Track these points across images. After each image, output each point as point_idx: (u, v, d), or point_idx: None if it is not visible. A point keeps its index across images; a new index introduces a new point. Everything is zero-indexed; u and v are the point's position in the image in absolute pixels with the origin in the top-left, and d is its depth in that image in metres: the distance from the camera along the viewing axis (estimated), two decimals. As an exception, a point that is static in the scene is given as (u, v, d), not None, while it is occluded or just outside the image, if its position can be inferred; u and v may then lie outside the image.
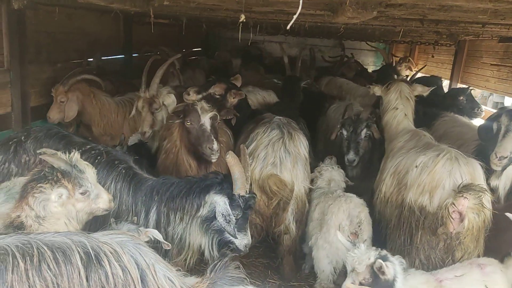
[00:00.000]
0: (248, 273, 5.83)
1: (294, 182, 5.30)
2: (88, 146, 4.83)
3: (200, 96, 6.72)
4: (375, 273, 3.86)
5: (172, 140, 5.83)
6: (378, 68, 15.65)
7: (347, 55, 15.03)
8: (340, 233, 4.71)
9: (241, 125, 6.52)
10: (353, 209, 5.06)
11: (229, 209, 4.12)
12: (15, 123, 6.53)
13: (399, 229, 4.80)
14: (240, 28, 7.00)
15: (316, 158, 6.73)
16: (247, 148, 5.28)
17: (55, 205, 3.38)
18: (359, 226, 4.96)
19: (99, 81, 7.38)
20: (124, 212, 4.53)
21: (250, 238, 4.35)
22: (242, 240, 4.25)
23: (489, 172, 5.25)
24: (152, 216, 4.44)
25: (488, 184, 5.30)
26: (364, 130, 6.48)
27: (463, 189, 4.23)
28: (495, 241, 4.72)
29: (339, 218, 5.01)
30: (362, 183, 6.60)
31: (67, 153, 3.67)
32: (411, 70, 13.97)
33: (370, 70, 16.12)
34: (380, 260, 3.81)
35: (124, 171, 4.62)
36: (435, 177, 4.54)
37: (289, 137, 5.45)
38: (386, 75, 11.78)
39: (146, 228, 4.27)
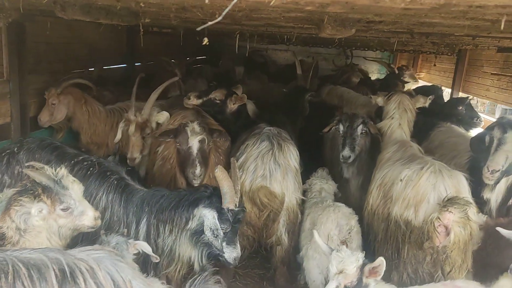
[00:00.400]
0: (244, 284, 5.93)
1: (285, 194, 5.31)
2: (81, 157, 4.87)
3: (200, 100, 6.83)
4: (360, 275, 3.84)
5: (169, 148, 5.87)
6: (383, 75, 15.68)
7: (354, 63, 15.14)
8: (328, 241, 4.76)
9: (240, 132, 6.55)
10: (341, 218, 5.07)
11: (218, 223, 4.15)
12: (14, 133, 6.55)
13: (387, 243, 4.80)
14: (237, 38, 7.07)
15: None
16: (237, 160, 5.31)
17: (37, 219, 3.43)
18: (349, 233, 4.96)
19: (91, 86, 7.42)
20: (116, 223, 4.56)
21: (240, 251, 4.34)
22: (231, 253, 4.23)
23: (481, 184, 5.25)
24: (143, 227, 4.47)
25: (482, 197, 5.30)
26: (361, 126, 6.32)
27: (447, 203, 4.20)
28: (496, 256, 4.68)
29: (327, 228, 5.03)
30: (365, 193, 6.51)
31: (54, 168, 3.73)
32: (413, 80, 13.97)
33: (374, 77, 16.13)
34: (381, 258, 3.77)
35: (116, 182, 4.66)
36: (420, 191, 4.53)
37: (279, 148, 5.45)
38: (390, 84, 11.82)
39: (136, 239, 4.32)
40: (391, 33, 4.84)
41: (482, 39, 5.62)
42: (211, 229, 4.16)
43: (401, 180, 4.75)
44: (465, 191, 4.58)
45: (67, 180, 3.67)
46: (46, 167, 3.66)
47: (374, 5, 1.83)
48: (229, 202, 4.15)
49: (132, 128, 6.18)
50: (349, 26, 3.06)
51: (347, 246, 4.82)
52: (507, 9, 1.95)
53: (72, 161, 4.80)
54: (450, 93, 11.27)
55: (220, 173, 4.10)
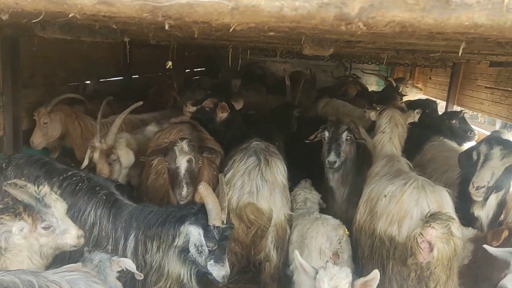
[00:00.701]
0: (235, 299, 5.88)
1: (272, 210, 5.26)
2: (70, 173, 4.88)
3: (195, 108, 7.21)
4: None
5: (163, 163, 5.85)
6: (381, 87, 15.68)
7: (353, 74, 15.16)
8: (319, 257, 4.74)
9: (231, 143, 6.61)
10: (330, 231, 5.04)
11: (203, 240, 4.11)
12: (7, 147, 6.55)
13: (372, 259, 4.78)
14: (230, 53, 7.12)
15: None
16: (225, 176, 5.29)
17: (18, 237, 3.44)
18: (339, 243, 4.95)
19: (83, 99, 7.42)
20: (104, 238, 4.56)
21: (229, 269, 4.31)
22: (220, 272, 4.19)
23: (471, 199, 5.24)
24: (130, 243, 4.46)
25: (472, 213, 5.29)
26: (346, 132, 6.35)
27: (430, 219, 4.19)
28: (487, 269, 4.67)
29: (318, 242, 4.98)
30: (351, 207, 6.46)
31: (43, 183, 3.74)
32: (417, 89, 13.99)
33: (372, 89, 16.13)
34: (376, 271, 3.66)
35: (104, 197, 4.68)
36: (403, 206, 4.52)
37: (266, 164, 5.42)
38: (388, 97, 11.81)
39: (125, 255, 4.33)
40: (377, 49, 4.86)
41: (470, 55, 5.63)
42: (195, 245, 4.14)
43: (385, 195, 4.75)
44: (448, 207, 4.54)
45: (50, 198, 3.67)
46: (28, 184, 3.67)
47: (334, 30, 1.84)
48: (215, 219, 4.12)
49: (96, 155, 6.08)
50: (326, 46, 3.07)
51: (339, 257, 4.81)
52: (465, 35, 1.98)
53: (61, 177, 4.82)
54: (445, 106, 11.29)
55: (203, 189, 4.08)
